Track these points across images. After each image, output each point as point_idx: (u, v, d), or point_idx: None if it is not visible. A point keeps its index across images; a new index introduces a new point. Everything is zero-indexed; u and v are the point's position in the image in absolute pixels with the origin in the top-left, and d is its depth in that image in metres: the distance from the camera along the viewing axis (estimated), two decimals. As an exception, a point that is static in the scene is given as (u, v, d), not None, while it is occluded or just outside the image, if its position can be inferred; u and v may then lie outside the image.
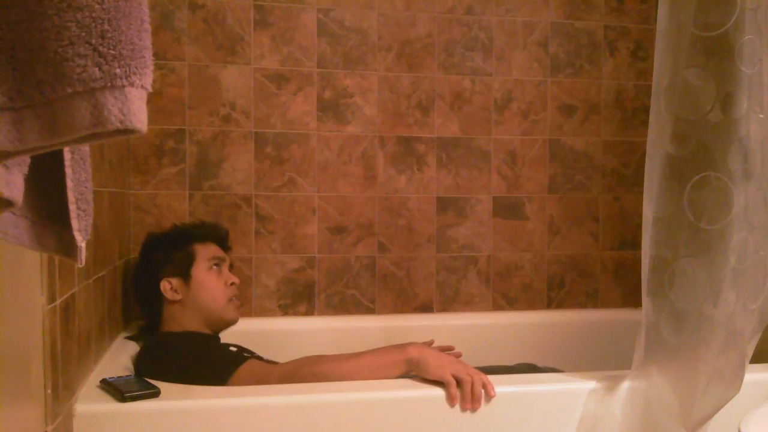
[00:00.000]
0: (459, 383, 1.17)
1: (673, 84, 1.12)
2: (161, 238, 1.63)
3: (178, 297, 1.52)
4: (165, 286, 1.52)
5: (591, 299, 2.10)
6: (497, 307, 2.02)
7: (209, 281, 1.54)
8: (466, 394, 1.17)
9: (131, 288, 1.65)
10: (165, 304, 1.53)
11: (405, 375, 1.24)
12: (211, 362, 1.33)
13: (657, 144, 1.15)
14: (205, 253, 1.56)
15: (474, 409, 1.17)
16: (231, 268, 1.64)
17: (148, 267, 1.58)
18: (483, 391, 1.18)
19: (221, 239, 1.65)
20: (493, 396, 1.18)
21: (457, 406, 1.18)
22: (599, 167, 2.09)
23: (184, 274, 1.53)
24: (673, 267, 1.15)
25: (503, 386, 1.24)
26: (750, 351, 1.18)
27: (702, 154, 1.12)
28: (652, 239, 1.16)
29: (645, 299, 1.18)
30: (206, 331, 1.53)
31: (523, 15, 2.02)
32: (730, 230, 1.12)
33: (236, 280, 1.59)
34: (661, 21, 1.12)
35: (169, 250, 1.57)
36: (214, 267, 1.56)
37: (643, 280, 1.18)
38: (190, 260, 1.54)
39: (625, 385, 1.22)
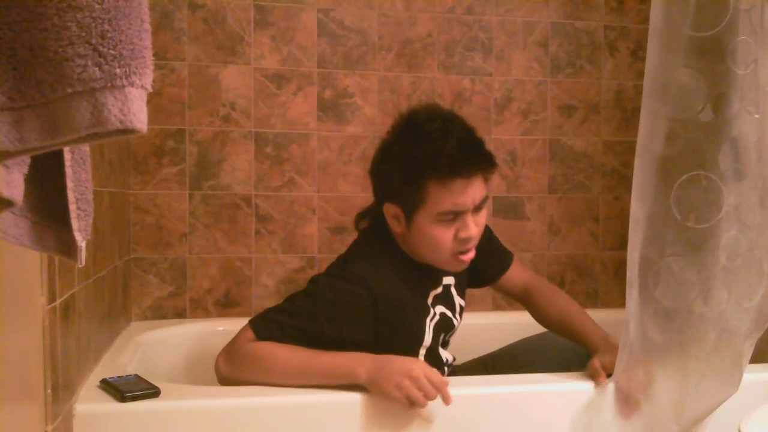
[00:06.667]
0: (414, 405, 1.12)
1: (665, 83, 1.12)
2: (399, 144, 1.24)
3: (397, 229, 1.27)
4: (388, 209, 1.26)
5: (591, 299, 2.10)
6: (497, 307, 2.03)
7: (433, 235, 1.22)
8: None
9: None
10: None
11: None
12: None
13: (647, 142, 1.16)
14: (438, 202, 1.19)
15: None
16: (479, 209, 1.25)
17: (379, 171, 1.30)
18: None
19: (477, 171, 1.21)
20: (448, 404, 1.13)
21: (459, 407, 1.18)
22: (599, 167, 2.09)
23: (407, 213, 1.23)
24: (658, 266, 1.15)
25: (500, 386, 1.25)
26: (747, 350, 1.18)
27: (691, 154, 1.13)
28: (639, 238, 1.16)
29: (629, 298, 1.18)
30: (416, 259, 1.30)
31: (523, 15, 2.02)
32: (720, 229, 1.12)
33: (472, 233, 1.22)
34: (653, 20, 1.12)
35: (400, 173, 1.22)
36: (445, 221, 1.21)
37: (628, 279, 1.18)
38: (416, 203, 1.20)
39: (612, 387, 1.22)
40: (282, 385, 1.17)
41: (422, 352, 1.31)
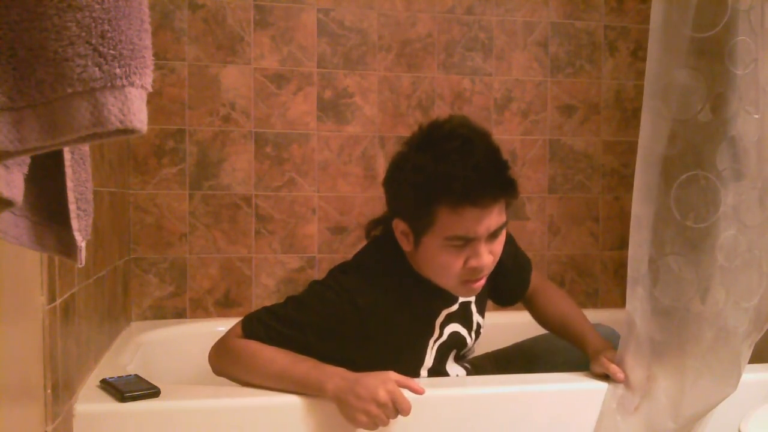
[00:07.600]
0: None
1: (665, 83, 1.13)
2: (413, 160, 1.15)
3: (406, 247, 1.19)
4: (397, 226, 1.18)
5: (591, 299, 2.10)
6: (498, 306, 2.02)
7: (440, 260, 1.14)
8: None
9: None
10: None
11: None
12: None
13: (647, 143, 1.17)
14: (448, 227, 1.10)
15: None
16: (495, 236, 1.15)
17: (391, 185, 1.20)
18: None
19: (493, 202, 1.11)
20: (405, 415, 1.08)
21: (460, 407, 1.19)
22: (599, 167, 2.09)
23: (416, 233, 1.15)
24: (658, 264, 1.16)
25: (501, 387, 1.25)
26: (746, 350, 1.18)
27: (690, 154, 1.13)
28: (642, 236, 1.16)
29: (629, 296, 1.19)
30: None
31: (523, 15, 2.02)
32: (717, 228, 1.12)
33: (484, 262, 1.13)
34: (654, 20, 1.12)
35: (411, 192, 1.13)
36: (455, 247, 1.13)
37: (629, 278, 1.18)
38: (425, 225, 1.12)
39: (610, 386, 1.22)
40: (260, 385, 1.16)
41: (423, 372, 1.27)
